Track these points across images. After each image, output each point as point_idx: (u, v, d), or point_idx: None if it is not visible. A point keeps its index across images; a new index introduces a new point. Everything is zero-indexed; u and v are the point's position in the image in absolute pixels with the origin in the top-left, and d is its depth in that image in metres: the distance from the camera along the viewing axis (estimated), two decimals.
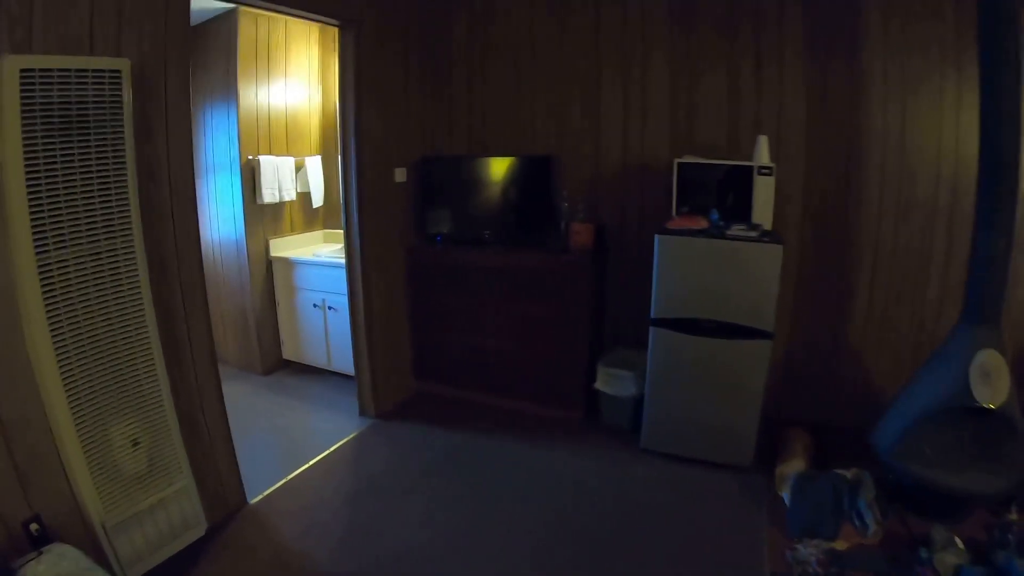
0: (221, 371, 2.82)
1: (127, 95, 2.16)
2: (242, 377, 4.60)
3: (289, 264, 4.45)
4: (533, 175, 3.78)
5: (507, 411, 3.93)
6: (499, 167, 3.89)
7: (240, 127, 4.18)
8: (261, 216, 4.44)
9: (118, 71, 2.13)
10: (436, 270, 4.00)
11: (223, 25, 4.15)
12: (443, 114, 4.14)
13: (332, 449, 3.50)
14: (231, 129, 4.21)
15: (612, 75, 3.66)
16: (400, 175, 3.93)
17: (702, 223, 3.13)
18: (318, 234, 4.95)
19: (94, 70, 2.06)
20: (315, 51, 4.68)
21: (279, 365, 4.74)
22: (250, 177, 4.30)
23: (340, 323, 4.16)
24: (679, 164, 3.32)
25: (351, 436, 3.66)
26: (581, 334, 3.63)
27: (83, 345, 2.15)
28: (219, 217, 4.51)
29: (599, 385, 3.59)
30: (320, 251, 4.50)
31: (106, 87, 2.10)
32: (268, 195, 4.34)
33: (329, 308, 4.29)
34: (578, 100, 3.77)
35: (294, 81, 4.56)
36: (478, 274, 3.84)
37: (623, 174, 3.74)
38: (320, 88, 4.74)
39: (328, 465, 3.35)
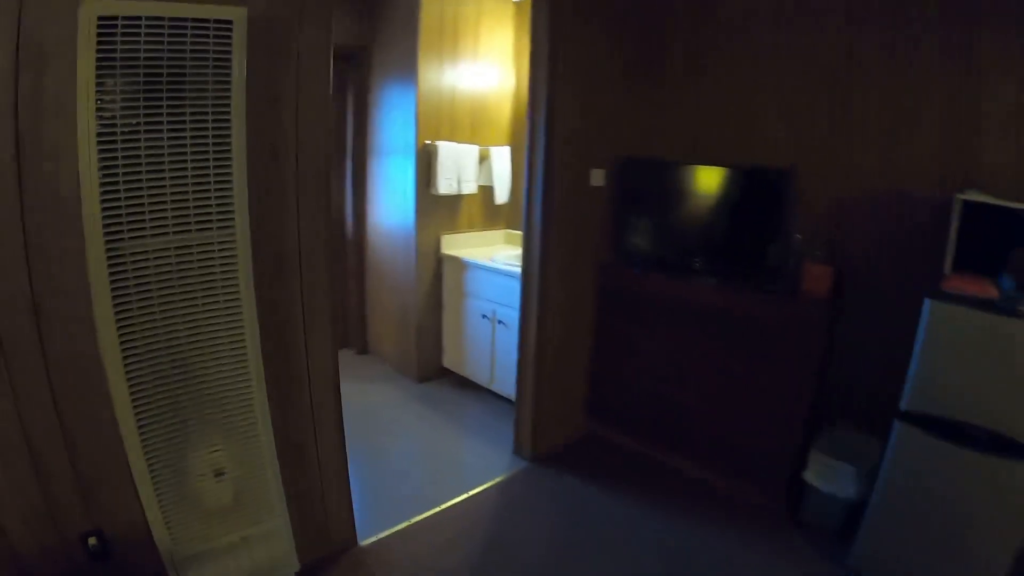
0: (377, 370, 2.38)
1: (239, 53, 1.73)
2: (395, 381, 4.26)
3: (460, 265, 4.00)
4: (760, 193, 2.89)
5: (689, 479, 3.12)
6: (718, 179, 3.05)
7: (419, 109, 3.79)
8: (435, 208, 4.04)
9: (228, 22, 1.70)
10: (630, 296, 3.29)
11: None
12: (654, 108, 3.38)
13: (471, 494, 2.95)
14: (408, 110, 3.84)
15: (870, 71, 2.66)
16: (597, 177, 3.26)
17: (990, 290, 2.13)
18: (499, 234, 4.47)
19: (195, 20, 1.65)
20: (510, 31, 4.17)
21: (437, 373, 4.33)
22: (426, 164, 3.90)
23: (510, 341, 3.60)
24: (964, 203, 2.28)
25: (497, 480, 3.09)
26: (798, 406, 2.72)
27: (158, 354, 1.78)
28: (389, 204, 4.20)
29: (809, 476, 2.68)
30: (498, 255, 3.99)
31: (211, 42, 1.69)
32: (444, 185, 3.92)
33: (499, 322, 3.77)
34: (824, 102, 2.81)
35: (484, 63, 4.09)
36: (680, 310, 3.08)
37: (874, 202, 2.72)
38: (514, 72, 4.23)
39: (462, 514, 2.80)
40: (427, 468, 3.24)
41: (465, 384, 4.18)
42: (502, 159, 4.20)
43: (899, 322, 2.36)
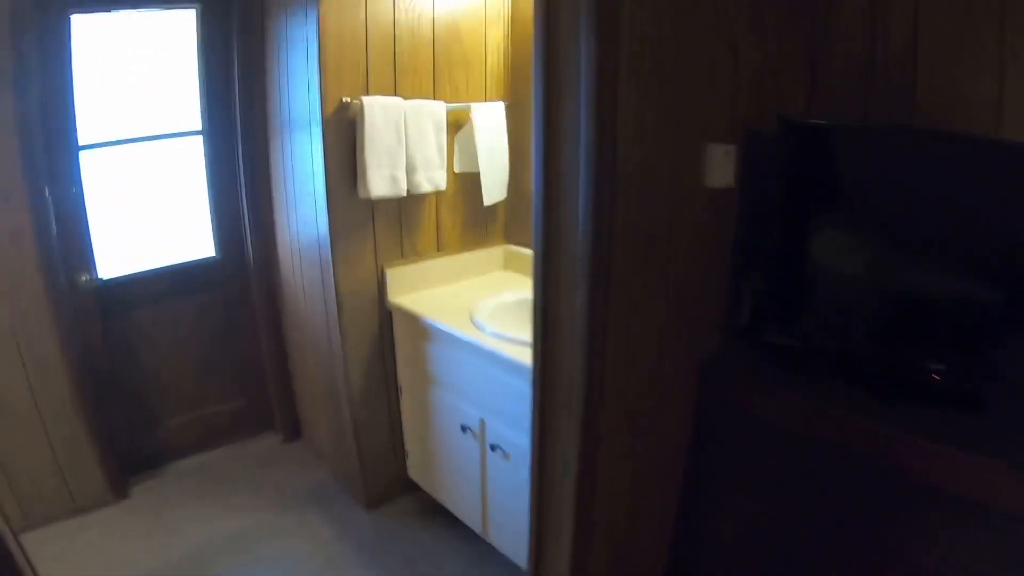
0: (306, 477, 1.90)
1: None
2: (330, 504, 2.54)
3: (418, 326, 2.21)
4: None
5: None
6: (944, 166, 1.23)
7: (323, 42, 1.95)
8: (366, 220, 2.23)
9: None
10: (763, 433, 1.48)
11: None
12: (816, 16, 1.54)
13: None
14: (309, 49, 2.04)
15: None
16: (719, 164, 1.42)
17: None
18: (492, 255, 2.63)
19: None
20: None
21: (398, 489, 2.57)
22: (346, 143, 2.11)
23: (514, 477, 1.89)
24: None
25: None
26: None
27: None
28: (296, 213, 2.43)
29: None
30: (485, 304, 2.17)
31: None
32: (379, 181, 2.11)
33: (492, 447, 2.00)
34: None
35: None
36: (878, 479, 1.26)
37: None
38: None
39: None
40: None
41: (441, 513, 2.44)
42: (491, 124, 2.38)
43: None
